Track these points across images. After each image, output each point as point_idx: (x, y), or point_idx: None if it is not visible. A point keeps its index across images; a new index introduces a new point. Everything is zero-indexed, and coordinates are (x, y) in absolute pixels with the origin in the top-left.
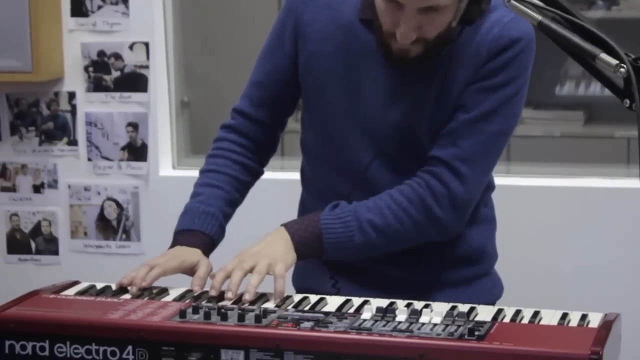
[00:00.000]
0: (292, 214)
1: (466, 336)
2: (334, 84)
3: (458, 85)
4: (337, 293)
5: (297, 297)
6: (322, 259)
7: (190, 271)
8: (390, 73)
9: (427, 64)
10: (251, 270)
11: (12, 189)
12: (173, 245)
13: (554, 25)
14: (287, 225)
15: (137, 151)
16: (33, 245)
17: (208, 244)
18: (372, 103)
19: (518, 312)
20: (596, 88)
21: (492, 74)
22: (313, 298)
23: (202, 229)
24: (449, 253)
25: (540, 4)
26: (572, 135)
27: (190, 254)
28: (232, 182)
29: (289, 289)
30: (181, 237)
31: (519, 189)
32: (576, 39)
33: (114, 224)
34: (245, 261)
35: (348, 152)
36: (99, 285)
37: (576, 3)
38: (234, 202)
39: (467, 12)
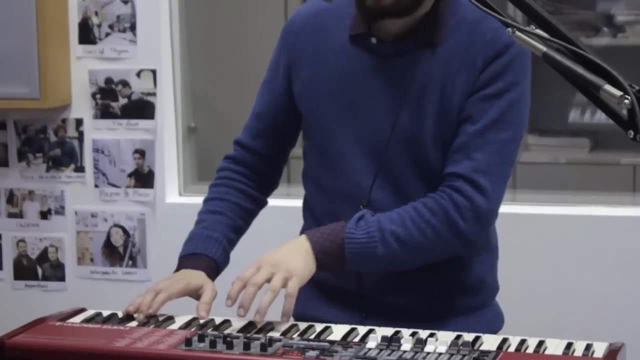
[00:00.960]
0: None
1: None
2: (331, 107)
3: (458, 95)
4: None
5: (303, 326)
6: (341, 271)
7: (196, 294)
8: (388, 88)
9: (422, 74)
10: (267, 281)
11: (20, 215)
12: (178, 269)
13: (558, 57)
14: (309, 234)
15: (143, 178)
16: (40, 271)
17: (212, 268)
18: (371, 121)
19: (523, 341)
20: (602, 115)
21: (491, 81)
22: (318, 326)
23: (206, 252)
24: (445, 282)
25: (545, 35)
26: (578, 162)
27: (195, 277)
28: (235, 208)
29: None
30: (186, 261)
31: (524, 217)
32: (580, 70)
33: (120, 251)
34: (261, 271)
35: (351, 176)
36: (105, 313)
37: (582, 30)
38: (237, 229)
39: None
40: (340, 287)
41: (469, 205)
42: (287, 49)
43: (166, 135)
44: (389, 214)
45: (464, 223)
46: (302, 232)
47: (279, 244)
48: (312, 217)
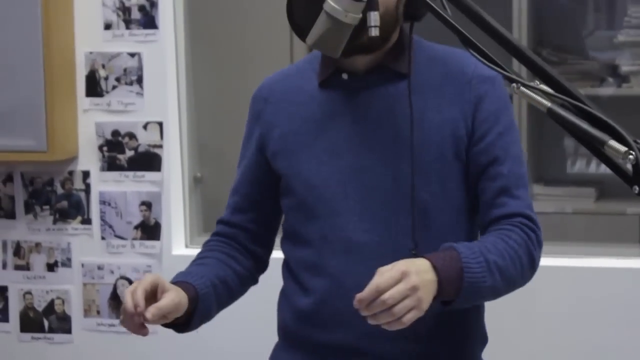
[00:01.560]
0: None
1: None
2: (311, 155)
3: (449, 125)
4: None
5: None
6: (444, 305)
7: (160, 291)
8: (365, 123)
9: (398, 106)
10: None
11: (26, 267)
12: None
13: (562, 112)
14: (434, 260)
15: (150, 230)
16: (46, 323)
17: (191, 291)
18: (359, 160)
19: None
20: None
21: (497, 116)
22: None
23: (185, 279)
24: (428, 331)
25: (550, 90)
26: (583, 212)
27: (168, 284)
28: (220, 263)
29: None
30: None
31: None
32: (585, 125)
33: None
34: (400, 289)
35: (340, 220)
36: None
37: (587, 80)
38: (222, 277)
39: (409, 5)
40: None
41: (535, 237)
42: (256, 117)
43: (173, 187)
44: (482, 243)
45: (537, 254)
46: (282, 294)
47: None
48: (291, 275)
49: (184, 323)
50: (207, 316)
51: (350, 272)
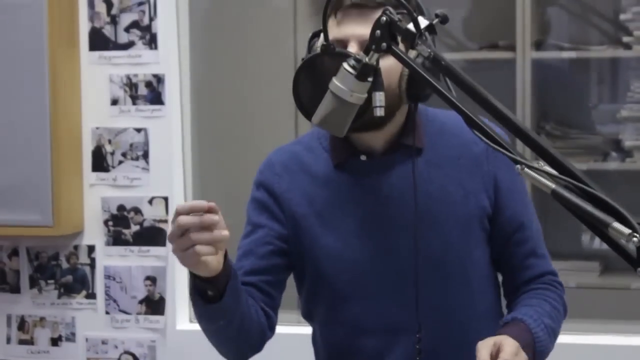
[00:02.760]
0: None
1: None
2: (334, 240)
3: (474, 194)
4: None
5: None
6: None
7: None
8: (387, 205)
9: (417, 181)
10: None
11: (30, 342)
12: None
13: (566, 194)
14: (516, 337)
15: (154, 304)
16: None
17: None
18: (378, 242)
19: None
20: None
21: (512, 179)
22: None
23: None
24: None
25: (554, 172)
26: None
27: None
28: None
29: None
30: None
31: None
32: (589, 207)
33: None
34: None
35: (369, 305)
36: None
37: (590, 155)
38: (249, 302)
39: (411, 86)
40: None
41: (562, 288)
42: (272, 192)
43: (177, 262)
44: (531, 307)
45: (566, 311)
46: None
47: None
48: (326, 353)
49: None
50: (236, 300)
51: (389, 351)
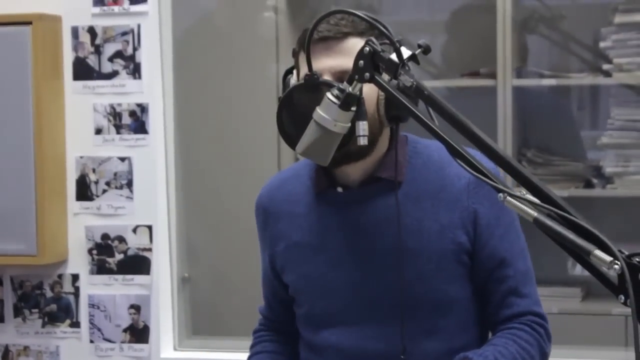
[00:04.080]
0: None
1: None
2: (312, 270)
3: (451, 229)
4: None
5: None
6: None
7: None
8: (364, 237)
9: (393, 213)
10: None
11: None
12: None
13: (548, 222)
14: None
15: (139, 333)
16: None
17: None
18: (353, 272)
19: None
20: None
21: (497, 217)
22: None
23: None
24: None
25: (536, 200)
26: (570, 312)
27: None
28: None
29: None
30: None
31: None
32: (570, 235)
33: None
34: None
35: (345, 333)
36: None
37: (572, 182)
38: None
39: (390, 107)
40: None
41: (544, 332)
42: (263, 228)
43: (161, 289)
44: (494, 348)
45: (548, 349)
46: None
47: None
48: None
49: None
50: None
51: None
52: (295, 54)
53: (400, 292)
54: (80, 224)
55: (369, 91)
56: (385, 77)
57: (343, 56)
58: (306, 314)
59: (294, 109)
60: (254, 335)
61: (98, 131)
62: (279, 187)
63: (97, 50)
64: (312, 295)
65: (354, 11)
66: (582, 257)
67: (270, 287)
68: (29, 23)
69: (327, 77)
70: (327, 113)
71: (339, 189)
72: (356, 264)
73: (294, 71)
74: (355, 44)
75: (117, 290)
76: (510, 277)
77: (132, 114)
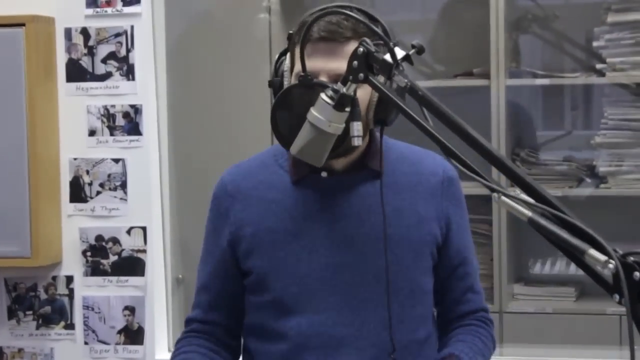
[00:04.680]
0: None
1: None
2: (286, 254)
3: (426, 222)
4: None
5: None
6: None
7: None
8: (344, 223)
9: (374, 203)
10: None
11: None
12: None
13: (543, 221)
14: None
15: (133, 334)
16: None
17: None
18: (330, 258)
19: None
20: None
21: (460, 215)
22: None
23: None
24: None
25: (530, 200)
26: (564, 311)
27: None
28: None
29: None
30: None
31: None
32: (565, 234)
33: None
34: None
35: (316, 319)
36: None
37: (565, 181)
38: None
39: (379, 110)
40: None
41: (492, 325)
42: (224, 215)
43: (156, 291)
44: (469, 348)
45: (495, 345)
46: None
47: None
48: None
49: None
50: None
51: None
52: (291, 42)
53: (386, 280)
54: (74, 226)
55: (362, 94)
56: (381, 78)
57: (343, 60)
58: (272, 300)
59: (288, 110)
60: (178, 343)
61: (92, 133)
62: (245, 176)
63: (91, 52)
64: (283, 281)
65: (355, 15)
66: (577, 257)
67: (219, 283)
68: (22, 25)
69: (323, 78)
70: (321, 114)
71: (323, 174)
72: (334, 250)
73: (288, 56)
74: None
75: (111, 291)
76: (469, 275)
77: (126, 115)
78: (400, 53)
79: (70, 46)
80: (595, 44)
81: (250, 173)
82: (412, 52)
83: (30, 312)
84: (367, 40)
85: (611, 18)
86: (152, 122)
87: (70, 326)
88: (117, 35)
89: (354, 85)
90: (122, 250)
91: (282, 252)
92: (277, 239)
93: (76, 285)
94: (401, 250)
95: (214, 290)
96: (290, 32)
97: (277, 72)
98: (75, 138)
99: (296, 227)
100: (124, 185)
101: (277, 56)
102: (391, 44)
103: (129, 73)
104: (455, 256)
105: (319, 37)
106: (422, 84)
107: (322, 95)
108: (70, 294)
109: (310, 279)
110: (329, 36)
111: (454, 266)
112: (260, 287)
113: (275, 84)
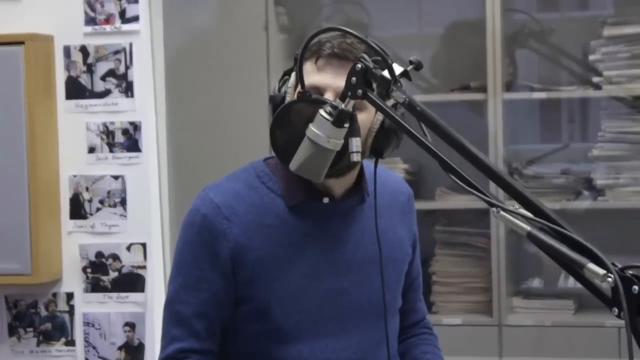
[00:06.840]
0: None
1: None
2: (288, 283)
3: (405, 243)
4: None
5: None
6: None
7: None
8: (342, 247)
9: (368, 227)
10: None
11: None
12: None
13: (542, 236)
14: None
15: (134, 350)
16: None
17: None
18: (331, 284)
19: None
20: None
21: (416, 229)
22: None
23: None
24: None
25: (529, 214)
26: (563, 324)
27: None
28: None
29: None
30: None
31: None
32: (564, 248)
33: None
34: None
35: (316, 345)
36: None
37: (563, 194)
38: None
39: (378, 139)
40: None
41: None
42: (220, 237)
43: (156, 307)
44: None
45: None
46: None
47: None
48: None
49: None
50: None
51: None
52: (301, 60)
53: (384, 302)
54: (74, 243)
55: (363, 120)
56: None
57: None
58: (273, 329)
59: (287, 126)
60: None
61: (91, 150)
62: (235, 197)
63: (90, 69)
64: (285, 310)
65: (360, 36)
66: (576, 270)
67: (217, 310)
68: (22, 43)
69: (330, 95)
70: (320, 130)
71: (325, 200)
72: (334, 276)
73: (293, 75)
74: None
75: (111, 308)
76: (420, 285)
77: (125, 132)
78: (398, 69)
79: (69, 64)
80: (591, 57)
81: (239, 195)
82: (410, 67)
83: (31, 329)
84: (366, 56)
85: (607, 32)
86: (151, 138)
87: (70, 342)
88: (116, 52)
89: (352, 102)
90: (122, 266)
91: (285, 280)
92: (278, 266)
93: (76, 301)
94: (389, 271)
95: (211, 317)
96: (297, 52)
97: (280, 89)
98: (74, 155)
99: (296, 254)
100: (123, 202)
101: (282, 74)
102: (389, 60)
103: (127, 90)
104: (415, 269)
105: (331, 53)
106: (420, 98)
107: (321, 111)
108: (71, 311)
109: (312, 307)
110: (341, 53)
111: (413, 279)
112: (259, 316)
113: (275, 100)
